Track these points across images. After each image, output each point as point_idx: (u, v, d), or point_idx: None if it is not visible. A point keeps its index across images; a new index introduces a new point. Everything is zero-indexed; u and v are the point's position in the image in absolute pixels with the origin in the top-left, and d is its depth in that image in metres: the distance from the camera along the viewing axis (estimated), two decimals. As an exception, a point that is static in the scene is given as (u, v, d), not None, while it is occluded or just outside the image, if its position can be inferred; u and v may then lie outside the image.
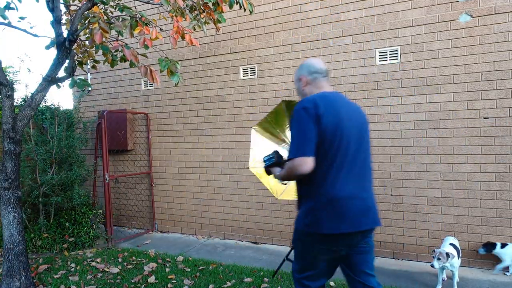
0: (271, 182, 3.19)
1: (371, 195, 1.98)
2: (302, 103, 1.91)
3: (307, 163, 1.82)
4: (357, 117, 1.98)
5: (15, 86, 5.10)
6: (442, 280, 3.46)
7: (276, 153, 2.26)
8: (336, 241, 1.89)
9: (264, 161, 2.27)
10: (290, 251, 3.42)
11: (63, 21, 3.79)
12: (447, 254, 3.06)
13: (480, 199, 3.73)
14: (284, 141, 3.22)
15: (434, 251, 3.13)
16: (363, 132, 1.99)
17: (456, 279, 3.27)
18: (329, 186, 1.86)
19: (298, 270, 2.08)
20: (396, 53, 4.02)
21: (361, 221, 1.87)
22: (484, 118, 3.69)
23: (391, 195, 4.10)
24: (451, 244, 3.26)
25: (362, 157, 1.95)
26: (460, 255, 3.28)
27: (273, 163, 2.21)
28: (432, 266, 3.04)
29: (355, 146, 1.92)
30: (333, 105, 1.89)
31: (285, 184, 2.44)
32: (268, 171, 2.27)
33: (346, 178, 1.88)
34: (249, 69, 4.84)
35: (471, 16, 3.70)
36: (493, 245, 3.51)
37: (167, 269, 3.88)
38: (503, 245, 3.49)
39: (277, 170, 2.16)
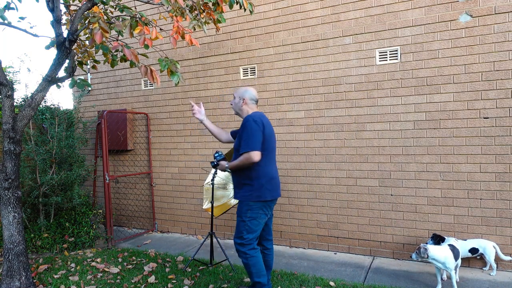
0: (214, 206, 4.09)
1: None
2: (252, 117, 2.92)
3: (257, 155, 2.85)
4: (272, 128, 3.11)
5: (15, 86, 5.10)
6: (442, 280, 3.46)
7: (221, 152, 3.17)
8: (272, 204, 3.03)
9: (215, 156, 3.14)
10: (197, 251, 4.45)
11: (63, 21, 3.80)
12: (424, 249, 3.10)
13: (480, 199, 3.73)
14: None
15: (419, 246, 3.17)
16: (275, 137, 3.22)
17: (456, 279, 3.27)
18: (268, 169, 2.98)
19: (252, 238, 2.94)
20: (396, 53, 4.02)
21: (279, 191, 3.09)
22: (484, 118, 3.69)
23: (391, 195, 4.10)
24: (449, 244, 3.26)
25: (275, 153, 3.21)
26: (459, 256, 3.27)
27: (223, 158, 3.14)
28: (411, 257, 3.19)
29: (275, 146, 3.11)
30: (267, 121, 3.01)
31: (229, 172, 3.10)
32: (217, 164, 3.11)
33: (273, 165, 3.06)
34: (249, 69, 4.84)
35: (471, 16, 3.70)
36: (442, 239, 3.59)
37: (167, 269, 3.88)
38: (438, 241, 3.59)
39: (225, 162, 3.07)
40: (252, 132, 2.85)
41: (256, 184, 2.91)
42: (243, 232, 2.94)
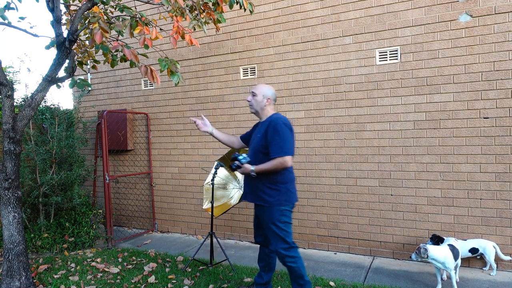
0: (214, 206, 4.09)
1: None
2: (281, 120, 2.81)
3: (291, 159, 2.78)
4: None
5: (15, 86, 5.10)
6: (442, 280, 3.46)
7: (246, 155, 2.93)
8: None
9: (240, 159, 2.88)
10: (197, 251, 4.43)
11: (63, 21, 3.79)
12: (424, 249, 3.11)
13: (480, 199, 3.73)
14: (235, 176, 4.17)
15: (419, 246, 3.18)
16: None
17: (456, 279, 3.27)
18: (292, 173, 2.93)
19: (291, 241, 2.84)
20: (396, 53, 4.02)
21: None
22: (484, 118, 3.69)
23: (391, 195, 4.10)
24: (449, 244, 3.26)
25: None
26: (459, 256, 3.27)
27: (248, 161, 2.90)
28: (410, 257, 3.24)
29: None
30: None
31: (254, 175, 2.87)
32: (239, 167, 2.89)
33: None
34: (249, 69, 4.84)
35: (471, 16, 3.70)
36: (441, 239, 3.55)
37: (167, 269, 3.88)
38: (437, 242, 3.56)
39: (249, 166, 2.85)
40: (285, 136, 2.76)
41: (282, 188, 2.83)
42: (285, 238, 2.82)
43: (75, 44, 3.78)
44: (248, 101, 3.01)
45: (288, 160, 2.74)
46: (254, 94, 2.98)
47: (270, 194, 2.82)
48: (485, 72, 3.67)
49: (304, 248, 4.55)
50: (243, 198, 3.12)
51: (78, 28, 3.22)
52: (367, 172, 4.20)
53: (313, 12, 4.41)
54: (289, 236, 2.84)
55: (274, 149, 2.74)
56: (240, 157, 2.88)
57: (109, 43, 3.99)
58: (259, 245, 3.18)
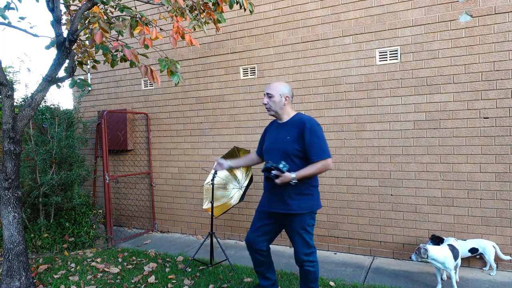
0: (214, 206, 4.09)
1: None
2: (314, 120, 2.70)
3: (332, 161, 2.75)
4: None
5: (15, 86, 5.10)
6: (442, 280, 3.46)
7: (285, 163, 2.66)
8: None
9: (281, 167, 2.60)
10: (197, 251, 4.36)
11: (63, 21, 3.80)
12: (424, 249, 3.11)
13: (480, 199, 3.73)
14: (235, 176, 4.19)
15: (419, 246, 3.18)
16: None
17: (456, 279, 3.28)
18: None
19: (313, 244, 2.78)
20: (396, 53, 4.02)
21: None
22: (484, 118, 3.69)
23: (391, 195, 4.10)
24: (449, 244, 3.26)
25: None
26: (459, 256, 3.28)
27: (288, 168, 2.63)
28: (410, 258, 3.26)
29: None
30: None
31: (295, 182, 2.67)
32: (277, 176, 2.60)
33: None
34: (249, 69, 4.84)
35: (471, 16, 3.70)
36: (441, 240, 3.55)
37: (167, 269, 3.88)
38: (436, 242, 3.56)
39: (289, 174, 2.58)
40: (323, 137, 2.64)
41: (315, 192, 2.74)
42: (309, 242, 2.74)
43: (75, 44, 3.79)
44: (265, 104, 2.79)
45: (330, 162, 2.63)
46: (270, 96, 2.76)
47: (303, 199, 2.68)
48: (485, 72, 3.67)
49: (304, 248, 4.55)
50: (267, 209, 2.88)
51: (78, 28, 3.22)
52: (367, 172, 4.20)
53: (313, 12, 4.41)
54: (312, 238, 2.78)
55: (316, 152, 2.61)
56: (281, 165, 2.61)
57: (109, 43, 3.99)
58: (249, 250, 2.98)
